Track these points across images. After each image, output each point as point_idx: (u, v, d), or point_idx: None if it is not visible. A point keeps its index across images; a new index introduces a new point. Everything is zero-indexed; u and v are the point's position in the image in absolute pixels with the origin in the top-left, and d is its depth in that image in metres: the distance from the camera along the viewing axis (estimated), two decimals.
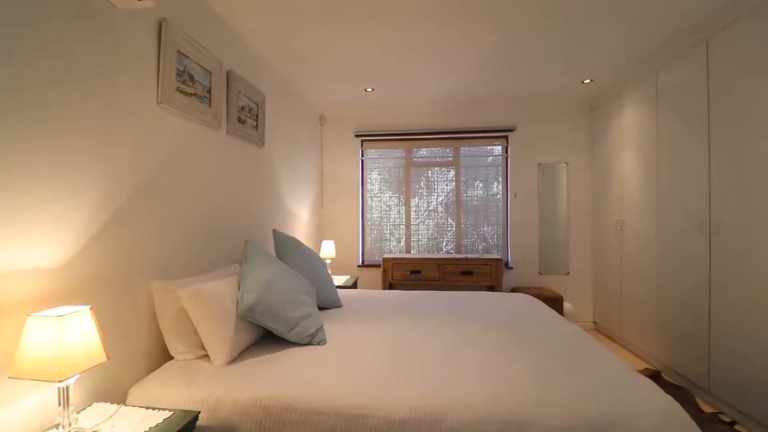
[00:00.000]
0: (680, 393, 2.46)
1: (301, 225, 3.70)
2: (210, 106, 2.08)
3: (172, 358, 1.62)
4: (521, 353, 1.63)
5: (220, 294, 1.62)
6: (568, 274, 4.13)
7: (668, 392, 2.25)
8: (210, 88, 2.08)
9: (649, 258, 3.05)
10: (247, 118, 2.55)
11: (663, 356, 2.89)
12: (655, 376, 2.77)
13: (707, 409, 2.35)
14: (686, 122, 2.62)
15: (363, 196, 4.46)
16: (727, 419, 2.21)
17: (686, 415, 1.20)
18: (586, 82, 3.47)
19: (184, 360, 1.57)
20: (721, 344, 2.32)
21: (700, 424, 2.01)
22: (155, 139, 1.68)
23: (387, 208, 4.44)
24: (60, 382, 1.00)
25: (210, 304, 1.55)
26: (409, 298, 2.74)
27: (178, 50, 1.80)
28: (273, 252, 2.71)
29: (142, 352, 1.57)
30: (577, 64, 3.05)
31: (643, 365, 3.05)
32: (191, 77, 1.92)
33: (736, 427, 2.14)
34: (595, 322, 4.04)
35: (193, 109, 1.92)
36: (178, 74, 1.81)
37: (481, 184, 4.32)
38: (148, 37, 1.64)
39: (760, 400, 2.05)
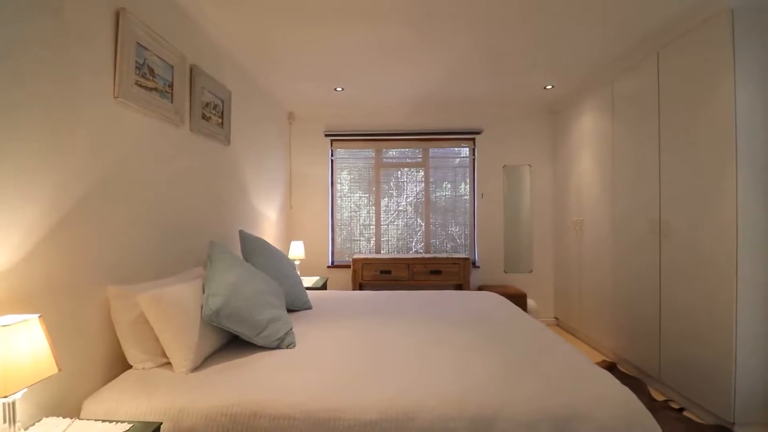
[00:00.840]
0: (634, 383, 2.62)
1: (269, 225, 3.62)
2: (172, 102, 1.99)
3: (130, 367, 1.53)
4: (489, 350, 1.67)
5: (183, 298, 1.55)
6: (531, 272, 4.29)
7: (623, 383, 2.38)
8: (172, 82, 1.99)
9: (605, 257, 3.22)
10: (212, 114, 2.46)
11: (618, 349, 3.06)
12: (610, 367, 2.92)
13: (659, 397, 2.51)
14: (639, 128, 2.79)
15: (332, 196, 4.42)
16: (676, 406, 2.37)
17: (641, 405, 1.28)
18: (548, 87, 3.62)
19: (143, 369, 1.50)
20: (670, 337, 2.49)
21: (653, 412, 2.14)
22: (112, 136, 1.58)
23: (357, 209, 4.43)
24: (5, 397, 0.93)
25: (172, 310, 1.48)
26: (379, 298, 2.74)
27: (137, 42, 1.71)
28: (239, 253, 2.64)
29: (97, 362, 1.47)
30: (540, 70, 3.17)
31: (600, 358, 3.22)
32: (151, 71, 1.83)
33: (685, 413, 2.30)
34: (556, 318, 4.22)
35: (154, 104, 1.83)
36: (137, 67, 1.72)
37: (449, 185, 4.40)
38: (105, 28, 1.55)
39: (704, 387, 2.21)
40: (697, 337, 2.27)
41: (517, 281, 4.27)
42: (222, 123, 2.59)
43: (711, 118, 2.17)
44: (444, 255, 4.04)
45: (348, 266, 4.26)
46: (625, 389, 1.34)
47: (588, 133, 3.53)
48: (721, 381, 2.10)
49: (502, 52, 2.79)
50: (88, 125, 1.46)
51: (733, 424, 2.05)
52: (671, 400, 2.45)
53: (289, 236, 4.26)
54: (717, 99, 2.13)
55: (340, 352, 1.67)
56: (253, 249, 2.39)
